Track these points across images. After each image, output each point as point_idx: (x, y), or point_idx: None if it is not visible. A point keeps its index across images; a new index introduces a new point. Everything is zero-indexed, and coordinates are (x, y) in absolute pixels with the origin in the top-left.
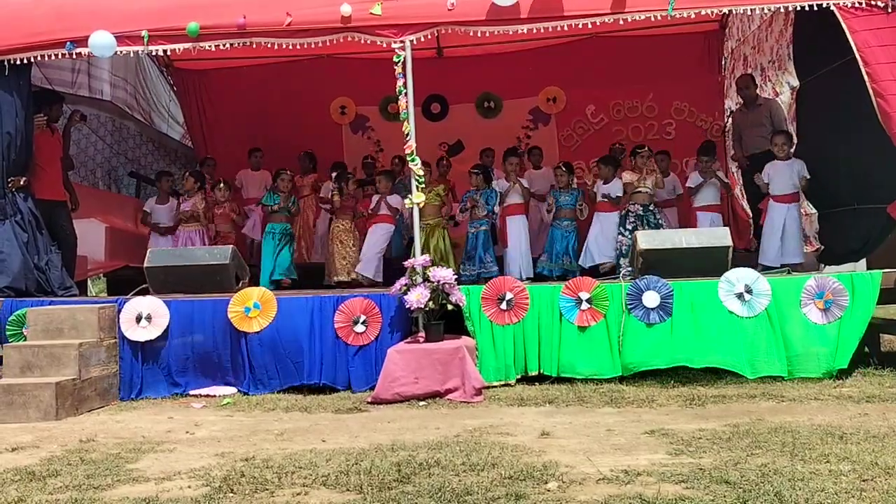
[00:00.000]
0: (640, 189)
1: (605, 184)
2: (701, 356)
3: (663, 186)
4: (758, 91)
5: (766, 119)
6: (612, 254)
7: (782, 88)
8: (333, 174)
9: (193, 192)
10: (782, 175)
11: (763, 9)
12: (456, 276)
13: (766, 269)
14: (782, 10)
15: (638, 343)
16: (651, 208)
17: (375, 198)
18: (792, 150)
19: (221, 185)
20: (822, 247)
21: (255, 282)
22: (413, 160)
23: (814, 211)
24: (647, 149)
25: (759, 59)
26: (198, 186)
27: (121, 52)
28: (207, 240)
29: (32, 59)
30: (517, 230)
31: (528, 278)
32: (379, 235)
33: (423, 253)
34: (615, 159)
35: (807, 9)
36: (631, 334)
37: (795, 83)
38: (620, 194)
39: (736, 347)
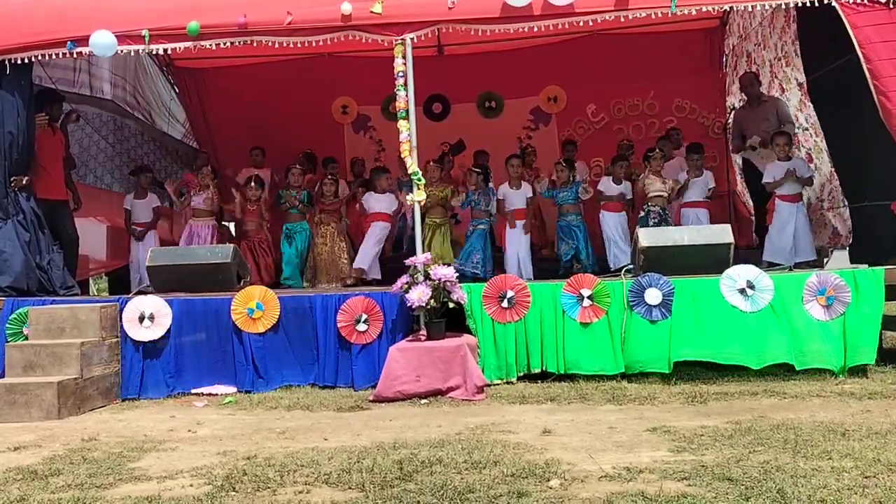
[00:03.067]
0: (661, 193)
1: (615, 182)
2: (703, 349)
3: (675, 192)
4: (761, 88)
5: (772, 115)
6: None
7: (789, 85)
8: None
9: (208, 186)
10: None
11: (765, 5)
12: (457, 275)
13: (772, 266)
14: (783, 6)
15: (641, 340)
16: (667, 208)
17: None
18: (791, 151)
19: (253, 183)
20: (845, 244)
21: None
22: (408, 159)
23: (844, 206)
24: (657, 150)
25: (764, 55)
26: (216, 182)
27: (122, 51)
28: (217, 234)
29: (34, 59)
30: (517, 234)
31: (527, 280)
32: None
33: (427, 251)
34: (626, 157)
35: (808, 4)
36: (633, 332)
37: (802, 79)
38: (629, 197)
39: (740, 341)
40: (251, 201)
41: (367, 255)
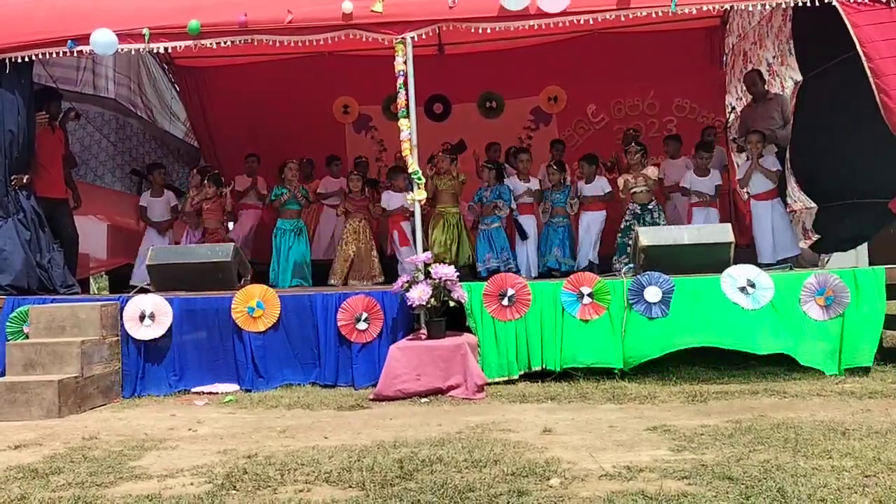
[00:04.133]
0: (636, 189)
1: (587, 183)
2: (702, 336)
3: (656, 181)
4: (766, 86)
5: (777, 113)
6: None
7: (787, 83)
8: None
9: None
10: (757, 174)
11: (765, 4)
12: (457, 274)
13: (765, 267)
14: (784, 5)
15: (640, 336)
16: (650, 206)
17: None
18: (765, 149)
19: (206, 181)
20: (819, 237)
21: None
22: (409, 158)
23: (813, 205)
24: (633, 144)
25: (762, 54)
26: (219, 193)
27: (122, 49)
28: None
29: (35, 58)
30: (527, 229)
31: (535, 277)
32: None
33: (440, 243)
34: (596, 157)
35: (808, 4)
36: (633, 329)
37: (798, 77)
38: (608, 190)
39: (741, 335)
40: (208, 199)
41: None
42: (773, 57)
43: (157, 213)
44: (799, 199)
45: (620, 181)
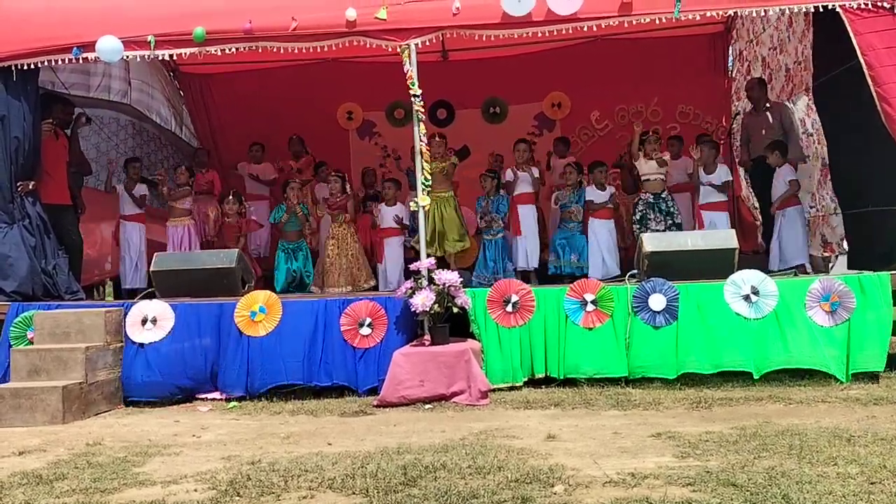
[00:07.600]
0: (649, 177)
1: (598, 189)
2: (709, 360)
3: (667, 164)
4: (774, 93)
5: (777, 122)
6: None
7: (801, 89)
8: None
9: (186, 185)
10: (773, 183)
11: (769, 10)
12: (461, 279)
13: (771, 273)
14: (788, 11)
15: (644, 346)
16: (663, 195)
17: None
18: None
19: (230, 197)
20: (840, 253)
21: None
22: (423, 164)
23: (835, 213)
24: (650, 133)
25: (782, 59)
26: (192, 182)
27: (127, 56)
28: (197, 235)
29: (41, 65)
30: (527, 219)
31: (534, 268)
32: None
33: (432, 226)
34: (604, 164)
35: (811, 10)
36: (637, 337)
37: (811, 83)
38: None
39: (743, 348)
40: (229, 216)
41: (395, 273)
42: (795, 62)
43: (128, 205)
44: (823, 207)
45: (640, 166)
